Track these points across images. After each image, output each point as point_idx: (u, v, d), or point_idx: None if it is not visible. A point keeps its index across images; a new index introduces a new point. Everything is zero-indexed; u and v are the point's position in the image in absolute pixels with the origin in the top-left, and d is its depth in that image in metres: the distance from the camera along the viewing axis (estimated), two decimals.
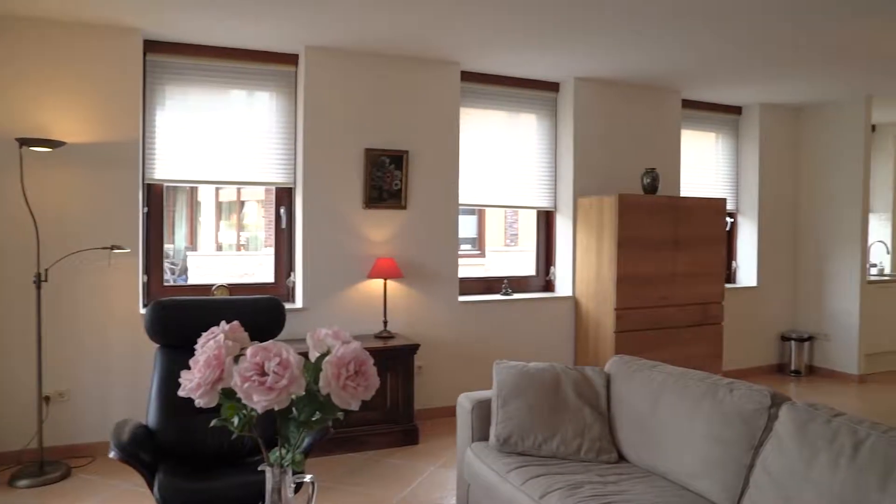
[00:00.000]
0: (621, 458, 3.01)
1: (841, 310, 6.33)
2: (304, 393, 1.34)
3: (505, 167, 5.49)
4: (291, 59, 4.73)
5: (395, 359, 4.44)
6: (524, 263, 11.74)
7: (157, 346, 3.17)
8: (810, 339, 6.50)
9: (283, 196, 4.86)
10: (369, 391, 1.42)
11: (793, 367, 6.49)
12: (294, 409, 1.36)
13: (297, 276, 4.78)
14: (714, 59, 4.95)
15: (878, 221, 7.20)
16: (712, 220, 5.53)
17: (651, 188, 5.41)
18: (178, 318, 3.10)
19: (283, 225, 4.87)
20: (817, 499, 2.21)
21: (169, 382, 3.02)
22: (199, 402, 1.33)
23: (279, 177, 4.76)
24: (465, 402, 3.23)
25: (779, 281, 6.67)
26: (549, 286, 5.80)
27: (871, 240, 6.64)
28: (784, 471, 2.37)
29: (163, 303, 3.12)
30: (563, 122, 5.60)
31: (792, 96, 6.15)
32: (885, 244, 7.26)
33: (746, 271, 6.57)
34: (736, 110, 6.57)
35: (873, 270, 7.03)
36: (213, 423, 1.38)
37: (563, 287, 5.66)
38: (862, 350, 6.25)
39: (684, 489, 2.67)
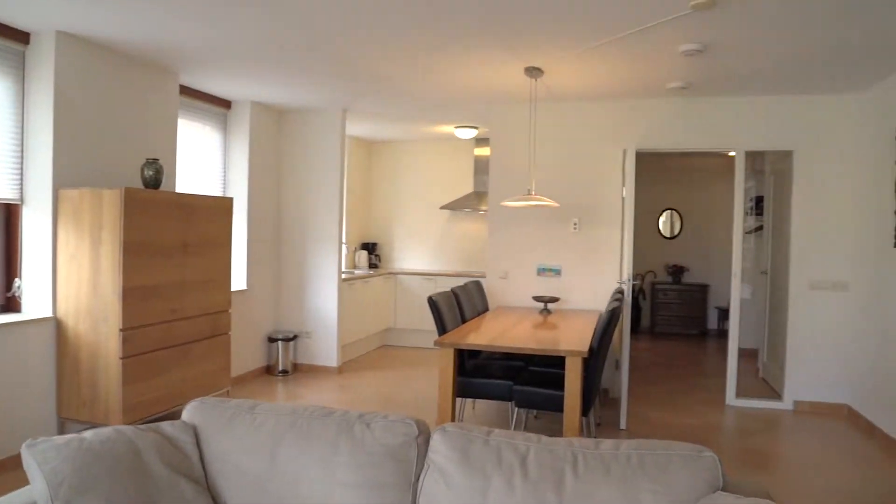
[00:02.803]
0: None
1: (321, 307, 6.54)
2: None
3: None
4: None
5: None
6: None
7: None
8: (295, 338, 6.53)
9: None
10: None
11: (281, 367, 6.41)
12: None
13: None
14: (211, 43, 4.35)
15: None
16: (219, 220, 4.94)
17: (154, 182, 4.48)
18: None
19: None
20: None
21: None
22: None
23: None
24: None
25: (265, 283, 6.50)
26: (12, 305, 4.23)
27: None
28: None
29: None
30: (37, 86, 4.12)
31: (280, 97, 6.00)
32: (344, 245, 7.89)
33: (237, 274, 6.16)
34: (226, 104, 6.08)
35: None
36: None
37: (37, 306, 4.19)
38: (340, 343, 6.60)
39: None
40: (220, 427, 2.42)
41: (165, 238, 4.35)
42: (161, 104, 5.00)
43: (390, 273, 7.94)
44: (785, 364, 5.50)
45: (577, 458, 2.13)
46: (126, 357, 4.05)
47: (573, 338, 4.30)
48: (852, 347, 5.30)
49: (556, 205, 4.97)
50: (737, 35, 3.95)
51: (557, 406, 4.07)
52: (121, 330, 4.02)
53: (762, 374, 6.38)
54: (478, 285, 5.74)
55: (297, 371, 6.57)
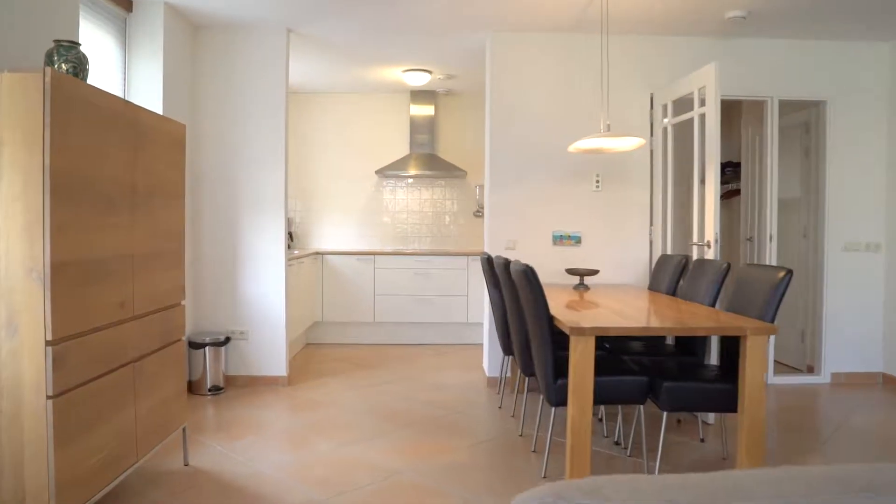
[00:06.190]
0: None
1: (261, 298, 4.61)
2: None
3: None
4: None
5: None
6: None
7: None
8: (227, 341, 4.53)
9: None
10: None
11: (210, 383, 4.39)
12: None
13: None
14: None
15: None
16: (172, 155, 2.97)
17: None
18: None
19: None
20: None
21: None
22: None
23: None
24: None
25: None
26: None
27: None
28: None
29: None
30: None
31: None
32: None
33: None
34: (127, 4, 3.93)
35: None
36: None
37: None
38: (288, 345, 4.73)
39: None
40: None
41: (110, 175, 2.36)
42: None
43: (317, 253, 6.11)
44: (823, 335, 4.79)
45: None
46: (58, 394, 2.05)
47: (667, 314, 3.07)
48: (884, 311, 4.74)
49: (643, 141, 3.68)
50: None
51: (728, 405, 2.83)
52: (49, 343, 2.01)
53: None
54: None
55: (231, 386, 4.58)
